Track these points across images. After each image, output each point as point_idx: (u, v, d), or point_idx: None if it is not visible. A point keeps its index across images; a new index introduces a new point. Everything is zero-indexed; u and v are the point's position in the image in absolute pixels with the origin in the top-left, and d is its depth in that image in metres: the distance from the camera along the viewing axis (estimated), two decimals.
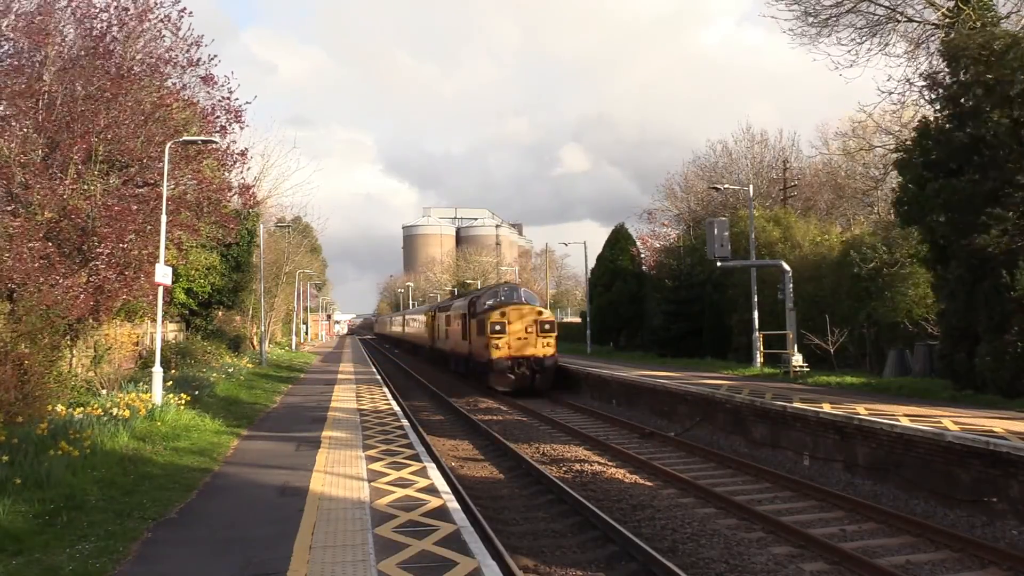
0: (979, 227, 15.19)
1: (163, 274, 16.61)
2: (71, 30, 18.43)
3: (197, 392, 18.31)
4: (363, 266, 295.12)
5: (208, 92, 20.63)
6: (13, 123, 17.01)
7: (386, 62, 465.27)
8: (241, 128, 21.20)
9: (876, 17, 21.81)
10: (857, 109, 23.65)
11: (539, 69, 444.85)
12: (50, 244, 16.56)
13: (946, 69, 16.94)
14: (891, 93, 20.97)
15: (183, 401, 16.11)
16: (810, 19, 22.36)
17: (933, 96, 17.38)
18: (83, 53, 18.02)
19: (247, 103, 40.01)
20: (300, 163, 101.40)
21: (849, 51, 22.22)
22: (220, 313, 36.25)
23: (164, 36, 19.53)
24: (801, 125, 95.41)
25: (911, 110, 21.39)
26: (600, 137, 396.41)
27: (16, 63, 17.42)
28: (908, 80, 20.50)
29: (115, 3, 18.60)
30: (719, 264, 25.51)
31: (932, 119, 17.53)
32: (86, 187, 17.59)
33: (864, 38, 21.98)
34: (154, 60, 19.46)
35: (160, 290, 17.22)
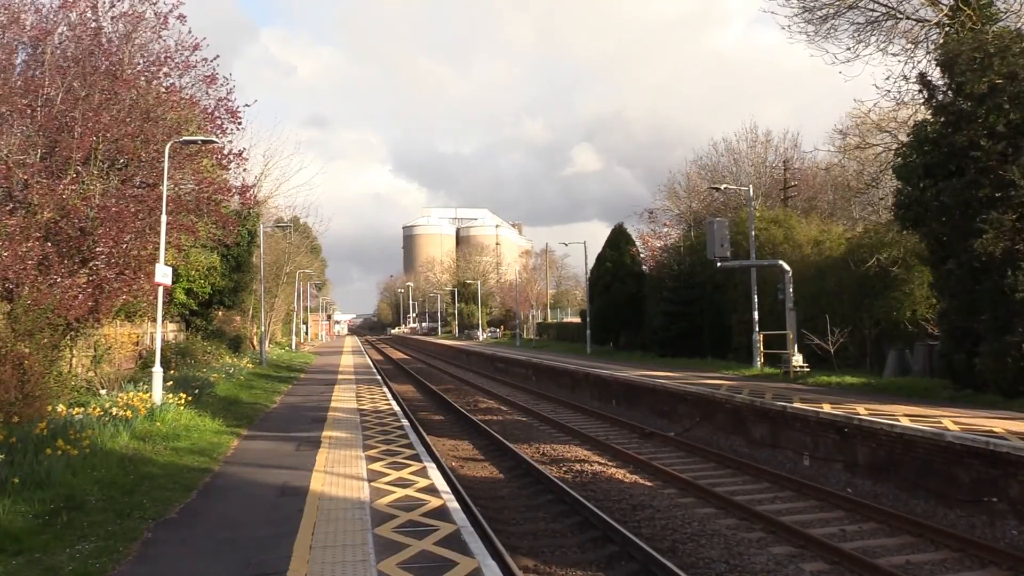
0: (976, 231, 15.19)
1: (163, 274, 16.60)
2: (64, 29, 18.43)
3: (197, 392, 18.30)
4: (369, 266, 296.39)
5: (208, 92, 20.65)
6: (12, 122, 17.01)
7: (402, 62, 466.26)
8: (238, 128, 21.16)
9: (875, 15, 21.79)
10: (855, 104, 23.72)
11: (554, 70, 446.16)
12: (49, 244, 16.56)
13: (940, 75, 16.96)
14: (888, 92, 20.95)
15: (183, 401, 16.10)
16: (807, 15, 22.35)
17: (927, 96, 17.39)
18: (79, 54, 18.02)
19: (246, 105, 40.03)
20: (304, 163, 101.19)
21: (848, 48, 22.22)
22: (220, 313, 36.23)
23: (163, 37, 19.57)
24: (815, 126, 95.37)
25: (910, 108, 21.37)
26: (613, 137, 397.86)
27: (7, 61, 17.45)
28: (905, 77, 20.50)
29: (110, 4, 18.64)
30: (719, 264, 25.53)
31: (929, 121, 17.51)
32: (85, 187, 17.59)
33: (864, 35, 21.95)
34: (153, 59, 19.48)
35: (160, 290, 17.22)
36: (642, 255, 46.20)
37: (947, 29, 19.52)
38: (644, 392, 22.65)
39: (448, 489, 9.81)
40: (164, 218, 16.90)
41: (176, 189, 19.62)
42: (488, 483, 13.74)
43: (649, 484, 13.38)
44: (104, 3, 18.78)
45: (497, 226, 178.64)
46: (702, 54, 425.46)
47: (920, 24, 21.16)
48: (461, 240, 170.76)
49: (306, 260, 58.87)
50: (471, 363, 51.32)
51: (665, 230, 46.26)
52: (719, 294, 33.32)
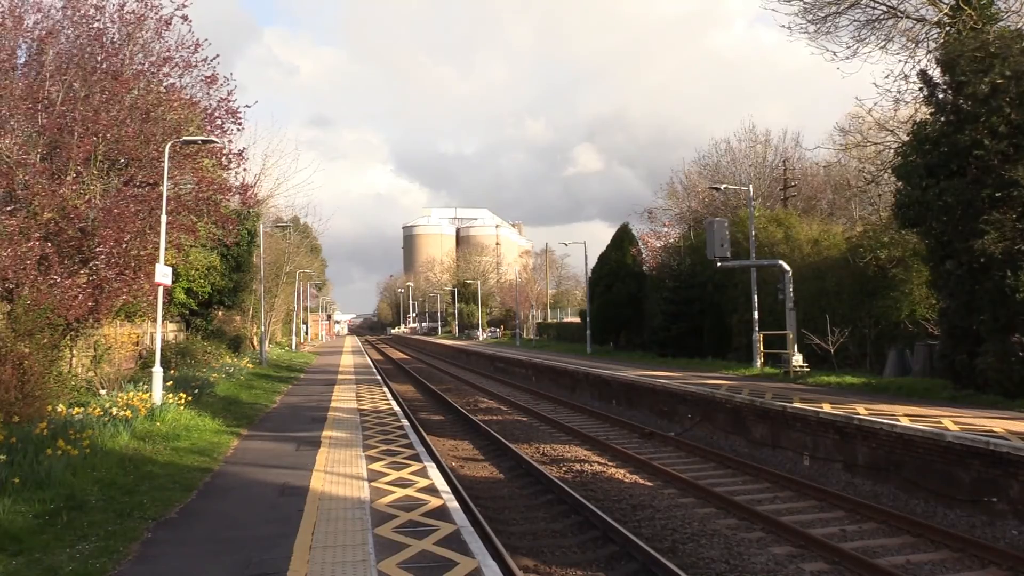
0: (977, 232, 15.18)
1: (163, 274, 16.60)
2: (69, 31, 18.44)
3: (197, 392, 18.30)
4: (370, 266, 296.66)
5: (208, 93, 20.63)
6: (13, 123, 17.02)
7: (403, 62, 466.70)
8: (238, 128, 21.13)
9: (876, 14, 21.80)
10: (857, 103, 23.80)
11: (555, 70, 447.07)
12: (49, 244, 16.55)
13: (940, 74, 16.95)
14: (888, 91, 20.95)
15: (183, 401, 16.10)
16: (808, 14, 22.36)
17: (928, 94, 17.37)
18: (80, 54, 18.02)
19: (247, 106, 40.01)
20: (304, 162, 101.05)
21: (848, 47, 22.24)
22: (220, 313, 36.24)
23: (164, 38, 19.56)
24: (815, 126, 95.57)
25: (910, 107, 21.37)
26: (614, 137, 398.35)
27: (9, 63, 17.45)
28: (905, 76, 20.50)
29: (114, 4, 18.66)
30: (719, 264, 25.54)
31: (929, 120, 17.50)
32: (86, 187, 17.59)
33: (864, 34, 21.97)
34: (154, 59, 19.47)
35: (160, 290, 17.21)
36: (643, 255, 46.21)
37: (947, 28, 19.52)
38: (644, 392, 22.64)
39: (448, 489, 9.81)
40: (164, 218, 16.90)
41: (176, 189, 19.61)
42: (488, 483, 13.74)
43: (649, 484, 13.38)
44: (108, 3, 18.79)
45: (497, 226, 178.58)
46: (703, 54, 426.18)
47: (921, 23, 21.17)
48: (461, 240, 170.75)
49: (306, 260, 58.87)
50: (471, 363, 51.31)
51: (665, 230, 46.27)
52: (719, 294, 33.33)
